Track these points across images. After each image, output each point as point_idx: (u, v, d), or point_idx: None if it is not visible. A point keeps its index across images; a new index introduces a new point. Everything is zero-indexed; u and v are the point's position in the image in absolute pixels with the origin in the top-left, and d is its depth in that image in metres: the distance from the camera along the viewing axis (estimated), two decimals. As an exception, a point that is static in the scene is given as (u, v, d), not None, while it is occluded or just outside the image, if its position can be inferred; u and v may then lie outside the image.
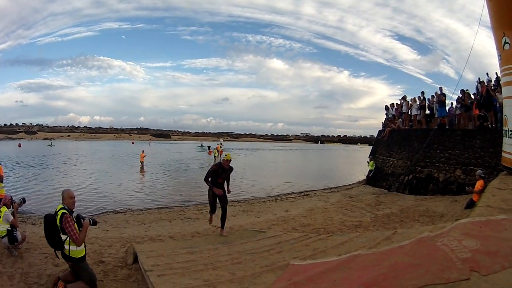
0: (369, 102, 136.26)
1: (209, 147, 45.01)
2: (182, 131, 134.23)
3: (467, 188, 10.80)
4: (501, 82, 10.88)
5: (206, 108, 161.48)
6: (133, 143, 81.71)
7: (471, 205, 10.05)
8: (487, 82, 15.20)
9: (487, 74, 15.96)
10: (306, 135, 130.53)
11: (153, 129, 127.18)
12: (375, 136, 24.85)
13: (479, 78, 16.37)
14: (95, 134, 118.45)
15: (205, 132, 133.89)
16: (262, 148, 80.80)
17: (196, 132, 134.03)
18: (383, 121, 29.85)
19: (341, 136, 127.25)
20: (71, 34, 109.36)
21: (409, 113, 19.20)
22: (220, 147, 45.04)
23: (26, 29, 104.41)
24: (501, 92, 11.38)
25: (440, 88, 16.89)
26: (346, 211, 12.60)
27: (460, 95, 15.73)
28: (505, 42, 9.00)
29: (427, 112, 17.80)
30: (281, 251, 5.44)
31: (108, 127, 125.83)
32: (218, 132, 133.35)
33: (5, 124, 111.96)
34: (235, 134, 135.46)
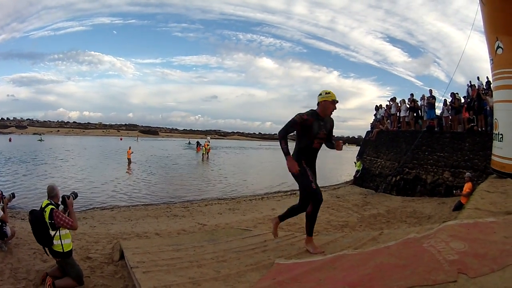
0: (358, 103, 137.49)
1: (198, 143, 44.24)
2: (170, 128, 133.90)
3: (455, 191, 10.85)
4: (492, 86, 10.94)
5: (194, 105, 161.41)
6: (121, 139, 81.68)
7: (459, 207, 10.07)
8: (478, 86, 15.31)
9: (478, 78, 16.09)
10: (294, 134, 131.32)
11: (142, 126, 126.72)
12: (363, 137, 24.94)
13: (470, 82, 16.57)
14: (84, 130, 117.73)
15: (193, 129, 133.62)
16: (250, 146, 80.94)
17: (184, 129, 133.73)
18: (371, 122, 30.00)
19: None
20: (64, 28, 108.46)
21: (397, 115, 19.29)
22: (208, 144, 44.84)
23: (20, 22, 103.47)
24: (492, 96, 11.46)
25: (430, 91, 17.09)
26: (332, 211, 12.54)
27: (450, 98, 15.83)
28: (498, 47, 9.02)
29: (415, 114, 17.93)
30: (266, 249, 5.34)
31: (97, 122, 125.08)
32: (206, 130, 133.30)
33: None
34: (223, 132, 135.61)
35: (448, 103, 15.87)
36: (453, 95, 15.69)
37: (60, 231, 4.91)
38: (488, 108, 13.13)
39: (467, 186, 10.13)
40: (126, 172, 25.34)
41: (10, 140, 61.62)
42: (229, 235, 7.24)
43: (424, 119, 16.91)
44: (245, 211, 12.91)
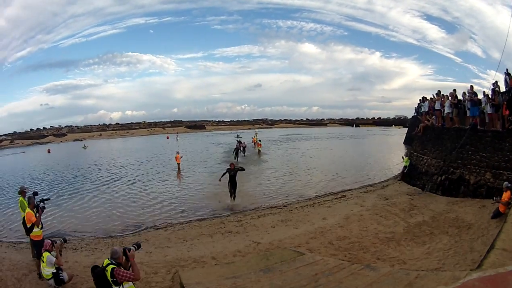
0: (402, 83, 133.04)
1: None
2: (217, 120, 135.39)
3: (494, 198, 11.16)
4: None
5: (239, 95, 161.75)
6: (167, 137, 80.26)
7: (497, 215, 10.61)
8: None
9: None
10: (341, 119, 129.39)
11: (187, 121, 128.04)
12: (409, 118, 24.87)
13: (506, 70, 16.34)
14: (127, 131, 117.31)
15: (239, 120, 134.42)
16: (296, 135, 79.25)
17: (231, 120, 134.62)
18: (415, 107, 29.93)
19: (376, 118, 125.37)
20: (96, 34, 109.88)
21: (442, 110, 19.46)
22: (256, 138, 44.89)
23: (46, 34, 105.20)
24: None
25: (471, 87, 17.10)
26: (380, 219, 13.33)
27: (491, 94, 15.86)
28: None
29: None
30: (316, 290, 6.35)
31: (141, 121, 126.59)
32: (253, 120, 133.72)
33: (31, 129, 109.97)
34: (270, 121, 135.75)
35: (490, 99, 15.74)
36: (493, 91, 15.68)
37: (124, 286, 5.43)
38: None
39: (506, 195, 10.53)
40: (177, 179, 25.99)
41: (49, 151, 57.81)
42: (283, 260, 8.28)
43: (468, 115, 16.97)
44: (297, 223, 13.69)
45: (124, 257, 5.64)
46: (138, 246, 6.02)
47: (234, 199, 17.32)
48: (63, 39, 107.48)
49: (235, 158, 31.00)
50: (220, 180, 17.46)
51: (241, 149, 36.09)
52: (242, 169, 17.72)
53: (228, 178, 17.10)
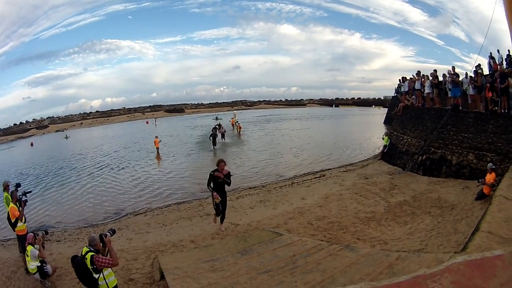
0: (382, 64, 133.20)
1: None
2: (196, 103, 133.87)
3: (479, 180, 10.87)
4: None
5: (218, 77, 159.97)
6: (147, 122, 79.05)
7: (481, 196, 10.39)
8: (499, 61, 15.09)
9: (498, 51, 15.85)
10: (320, 99, 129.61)
11: (166, 105, 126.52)
12: (389, 98, 24.85)
13: (490, 53, 16.32)
14: (107, 118, 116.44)
15: (218, 102, 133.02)
16: (276, 116, 78.90)
17: (209, 103, 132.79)
18: (396, 87, 29.78)
19: (355, 98, 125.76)
20: (76, 23, 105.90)
21: (422, 90, 19.24)
22: (235, 119, 44.27)
23: (27, 27, 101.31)
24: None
25: (453, 68, 16.91)
26: (360, 198, 13.04)
27: (473, 75, 15.63)
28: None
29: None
30: (294, 271, 5.96)
31: (121, 108, 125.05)
32: (232, 101, 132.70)
33: (15, 124, 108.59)
34: (249, 102, 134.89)
35: (472, 80, 15.48)
36: (475, 73, 15.44)
37: (103, 272, 5.42)
38: (510, 90, 13.02)
39: (490, 177, 10.29)
40: (156, 163, 25.48)
41: (31, 144, 55.54)
42: (261, 242, 7.95)
43: (449, 96, 16.76)
44: (276, 203, 13.37)
45: (101, 244, 5.64)
46: (113, 231, 5.94)
47: (221, 222, 10.85)
48: (43, 30, 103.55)
49: (212, 145, 29.41)
50: (210, 189, 10.24)
51: (220, 134, 32.72)
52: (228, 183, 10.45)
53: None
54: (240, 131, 39.38)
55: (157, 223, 12.29)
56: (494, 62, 15.45)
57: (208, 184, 9.87)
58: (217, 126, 33.67)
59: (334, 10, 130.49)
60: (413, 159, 16.68)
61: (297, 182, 16.90)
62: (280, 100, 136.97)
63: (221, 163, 9.87)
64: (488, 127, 13.39)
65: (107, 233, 5.73)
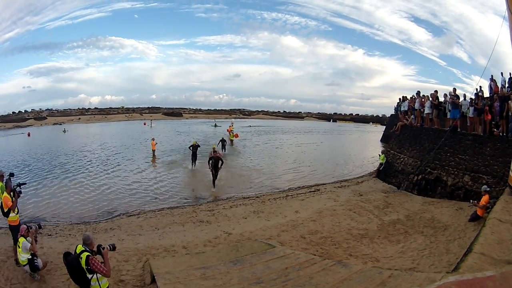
0: (383, 81, 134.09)
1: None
2: (194, 108, 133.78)
3: (471, 201, 10.96)
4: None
5: (218, 84, 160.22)
6: (145, 124, 79.36)
7: (475, 218, 10.41)
8: (501, 84, 15.18)
9: (502, 74, 15.92)
10: (319, 113, 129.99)
11: (165, 108, 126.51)
12: (388, 116, 24.93)
13: (492, 76, 16.35)
14: (105, 116, 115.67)
15: (217, 109, 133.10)
16: (273, 128, 78.58)
17: (208, 109, 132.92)
18: (395, 106, 29.89)
19: (353, 114, 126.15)
20: (82, 16, 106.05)
21: (421, 110, 19.29)
22: (232, 128, 43.84)
23: (34, 15, 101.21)
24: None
25: (454, 89, 16.95)
26: (354, 215, 12.99)
27: (474, 98, 15.68)
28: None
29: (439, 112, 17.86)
30: (286, 284, 5.90)
31: (119, 107, 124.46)
32: (230, 109, 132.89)
33: (13, 112, 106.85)
34: (247, 111, 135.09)
35: (473, 102, 15.54)
36: (476, 95, 15.51)
37: (97, 274, 5.27)
38: (510, 113, 13.07)
39: (484, 199, 10.32)
40: (152, 166, 25.02)
41: (29, 135, 55.16)
42: (253, 253, 7.88)
43: (448, 117, 16.81)
44: (269, 215, 13.32)
45: (95, 245, 5.49)
46: (113, 247, 5.71)
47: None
48: (49, 21, 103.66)
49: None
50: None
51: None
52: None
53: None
54: (233, 140, 38.40)
55: (149, 226, 12.21)
56: (496, 84, 15.52)
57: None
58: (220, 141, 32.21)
59: (339, 25, 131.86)
60: (408, 178, 16.67)
61: (292, 195, 16.83)
62: (279, 111, 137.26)
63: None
64: (485, 149, 13.37)
65: (107, 245, 5.61)
